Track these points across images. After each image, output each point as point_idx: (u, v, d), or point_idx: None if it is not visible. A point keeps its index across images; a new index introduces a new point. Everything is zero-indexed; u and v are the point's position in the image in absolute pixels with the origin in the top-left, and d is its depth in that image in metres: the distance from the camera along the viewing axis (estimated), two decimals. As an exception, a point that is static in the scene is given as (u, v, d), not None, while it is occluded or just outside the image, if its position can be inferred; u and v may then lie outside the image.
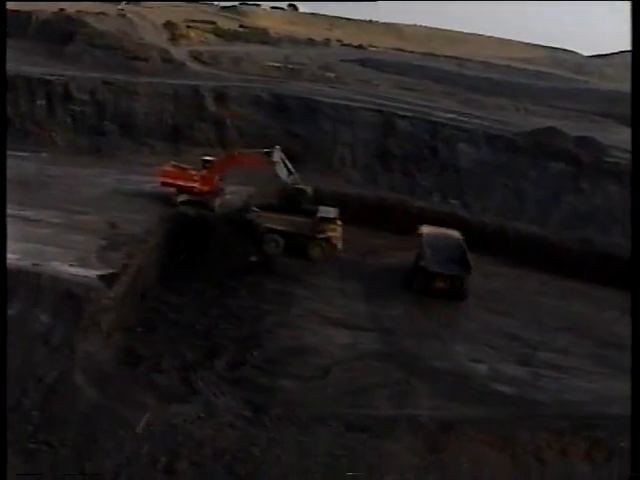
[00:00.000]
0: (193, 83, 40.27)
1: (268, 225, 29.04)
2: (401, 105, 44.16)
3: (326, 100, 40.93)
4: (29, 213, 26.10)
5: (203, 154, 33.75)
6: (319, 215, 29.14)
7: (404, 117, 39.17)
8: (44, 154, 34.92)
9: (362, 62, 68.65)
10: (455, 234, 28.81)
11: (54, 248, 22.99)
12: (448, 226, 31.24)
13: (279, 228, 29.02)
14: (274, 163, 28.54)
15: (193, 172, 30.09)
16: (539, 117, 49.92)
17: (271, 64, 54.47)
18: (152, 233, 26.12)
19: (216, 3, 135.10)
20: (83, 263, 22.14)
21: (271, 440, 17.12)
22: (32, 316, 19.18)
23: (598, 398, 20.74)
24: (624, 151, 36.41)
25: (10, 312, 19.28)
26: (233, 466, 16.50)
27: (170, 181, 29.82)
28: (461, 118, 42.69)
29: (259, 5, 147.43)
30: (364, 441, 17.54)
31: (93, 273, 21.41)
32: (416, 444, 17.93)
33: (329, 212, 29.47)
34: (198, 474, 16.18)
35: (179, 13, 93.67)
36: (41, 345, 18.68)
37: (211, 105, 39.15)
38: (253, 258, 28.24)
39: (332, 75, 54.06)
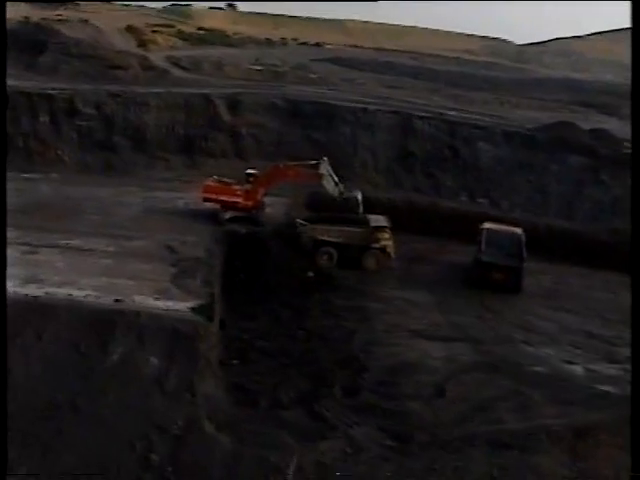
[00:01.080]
0: (204, 91, 38.42)
1: (321, 238, 28.01)
2: (401, 104, 43.74)
3: (343, 104, 40.07)
4: (77, 242, 24.17)
5: (219, 165, 32.73)
6: (373, 224, 28.36)
7: (421, 118, 38.81)
8: (53, 174, 32.45)
9: (333, 61, 67.82)
10: (516, 230, 28.77)
11: (125, 280, 21.26)
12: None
13: (333, 240, 28.04)
14: (321, 176, 27.43)
15: (236, 187, 28.65)
16: (524, 110, 50.67)
17: (252, 67, 52.93)
18: (215, 255, 24.68)
19: (149, 5, 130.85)
20: (165, 295, 20.54)
21: (428, 469, 16.30)
22: (140, 359, 17.55)
23: None
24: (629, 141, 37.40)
25: (114, 357, 17.72)
26: (398, 501, 15.60)
27: (213, 197, 28.33)
28: (464, 115, 42.71)
29: (190, 5, 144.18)
30: (515, 458, 17.00)
31: (183, 305, 19.87)
32: (561, 455, 17.57)
33: (380, 221, 28.74)
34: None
35: (121, 17, 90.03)
36: (157, 391, 17.10)
37: (225, 114, 37.47)
38: (310, 273, 27.16)
39: (315, 76, 53.07)
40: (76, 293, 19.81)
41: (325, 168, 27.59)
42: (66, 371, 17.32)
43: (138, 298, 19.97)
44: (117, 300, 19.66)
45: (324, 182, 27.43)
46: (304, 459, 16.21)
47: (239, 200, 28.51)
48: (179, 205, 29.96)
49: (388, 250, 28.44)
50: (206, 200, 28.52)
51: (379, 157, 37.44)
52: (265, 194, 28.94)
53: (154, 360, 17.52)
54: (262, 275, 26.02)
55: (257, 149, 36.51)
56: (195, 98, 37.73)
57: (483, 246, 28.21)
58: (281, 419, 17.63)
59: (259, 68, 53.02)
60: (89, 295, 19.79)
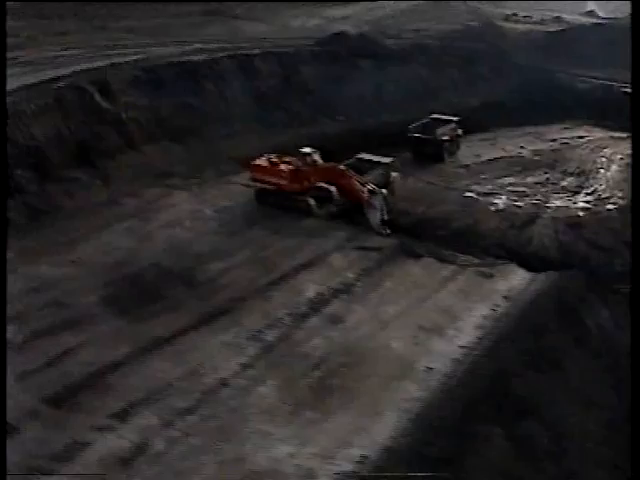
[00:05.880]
0: (71, 80, 28.29)
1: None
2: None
3: (195, 59, 35.20)
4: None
5: (120, 166, 29.00)
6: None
7: (256, 55, 37.74)
8: None
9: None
10: (450, 118, 36.30)
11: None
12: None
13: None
14: (370, 205, 26.52)
15: (282, 167, 27.21)
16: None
17: None
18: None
19: None
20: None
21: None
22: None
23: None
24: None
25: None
26: None
27: (259, 177, 27.60)
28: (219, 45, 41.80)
29: None
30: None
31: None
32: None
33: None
34: None
35: None
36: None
37: (101, 101, 29.47)
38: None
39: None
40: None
41: (379, 202, 26.70)
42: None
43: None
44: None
45: (370, 212, 26.55)
46: None
47: (284, 183, 27.04)
48: (209, 214, 26.35)
49: None
50: (254, 180, 27.79)
51: (245, 105, 36.06)
52: (312, 187, 27.47)
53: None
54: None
55: (143, 134, 30.69)
56: (66, 91, 28.02)
57: (419, 127, 34.73)
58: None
59: None
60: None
